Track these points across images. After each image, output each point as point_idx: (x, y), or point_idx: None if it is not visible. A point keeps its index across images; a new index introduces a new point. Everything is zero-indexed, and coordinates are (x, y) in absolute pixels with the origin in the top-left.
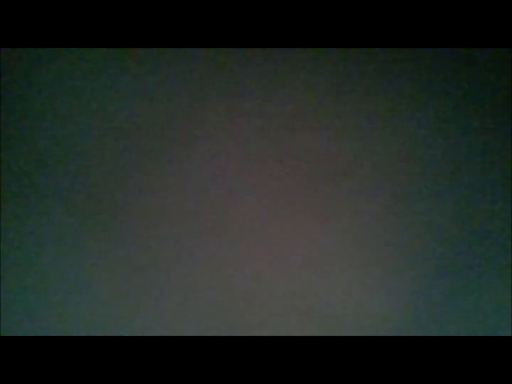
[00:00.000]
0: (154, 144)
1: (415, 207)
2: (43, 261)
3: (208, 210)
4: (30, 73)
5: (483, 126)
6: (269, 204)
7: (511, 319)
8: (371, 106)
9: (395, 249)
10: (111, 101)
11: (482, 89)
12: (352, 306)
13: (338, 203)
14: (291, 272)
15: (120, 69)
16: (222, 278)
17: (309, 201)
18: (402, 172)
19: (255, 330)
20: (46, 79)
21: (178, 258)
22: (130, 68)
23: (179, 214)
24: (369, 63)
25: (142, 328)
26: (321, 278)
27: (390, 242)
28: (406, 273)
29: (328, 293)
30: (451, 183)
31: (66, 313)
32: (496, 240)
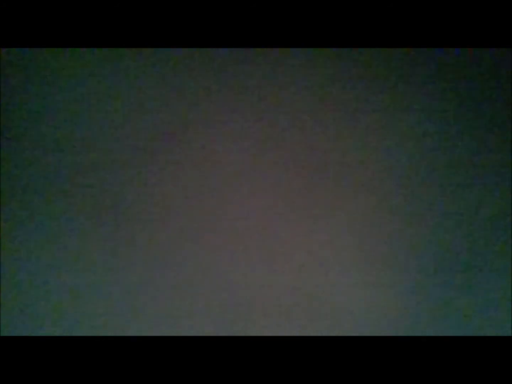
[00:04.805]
0: (153, 144)
1: (415, 206)
2: (43, 261)
3: (208, 210)
4: (30, 73)
5: (483, 126)
6: (269, 204)
7: (511, 319)
8: (370, 106)
9: (395, 249)
10: (111, 101)
11: (482, 89)
12: (352, 306)
13: (338, 203)
14: (291, 272)
15: (120, 69)
16: (221, 278)
17: (309, 201)
18: (402, 172)
19: (255, 330)
20: (46, 79)
21: (177, 257)
22: (130, 68)
23: (178, 213)
24: (369, 63)
25: (142, 328)
26: (321, 278)
27: (390, 242)
28: (405, 273)
29: (328, 293)
30: (451, 182)
31: (66, 313)
32: (496, 240)
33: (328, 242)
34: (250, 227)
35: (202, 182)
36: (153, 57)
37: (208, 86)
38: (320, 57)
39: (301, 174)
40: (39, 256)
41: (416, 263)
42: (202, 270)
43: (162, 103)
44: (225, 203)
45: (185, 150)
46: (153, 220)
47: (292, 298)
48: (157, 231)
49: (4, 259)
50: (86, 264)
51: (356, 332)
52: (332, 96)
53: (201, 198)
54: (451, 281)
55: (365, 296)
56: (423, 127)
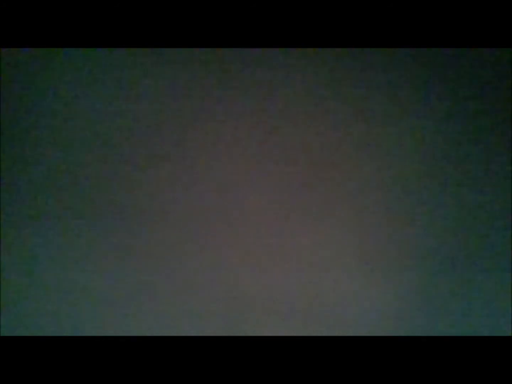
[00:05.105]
0: (153, 145)
1: (415, 206)
2: (43, 261)
3: (208, 210)
4: (30, 73)
5: (483, 126)
6: (269, 204)
7: (511, 319)
8: (370, 106)
9: (395, 249)
10: (111, 101)
11: (482, 89)
12: (352, 306)
13: (338, 203)
14: (291, 272)
15: (120, 69)
16: (221, 278)
17: (310, 201)
18: (402, 172)
19: (255, 330)
20: (46, 79)
21: (178, 258)
22: (130, 68)
23: (178, 213)
24: (369, 63)
25: (142, 328)
26: (321, 278)
27: (390, 242)
28: (406, 273)
29: (328, 293)
30: (451, 182)
31: (66, 313)
32: (496, 240)
33: (329, 242)
34: (250, 227)
35: (202, 182)
36: (153, 57)
37: (208, 86)
38: (320, 57)
39: (301, 174)
40: (39, 256)
41: (416, 263)
42: (202, 270)
43: (162, 103)
44: (226, 203)
45: (185, 150)
46: (154, 220)
47: (293, 298)
48: (158, 231)
49: (4, 259)
50: (86, 264)
51: (356, 332)
52: (332, 96)
53: (201, 198)
54: (451, 281)
55: (365, 296)
56: (423, 127)
